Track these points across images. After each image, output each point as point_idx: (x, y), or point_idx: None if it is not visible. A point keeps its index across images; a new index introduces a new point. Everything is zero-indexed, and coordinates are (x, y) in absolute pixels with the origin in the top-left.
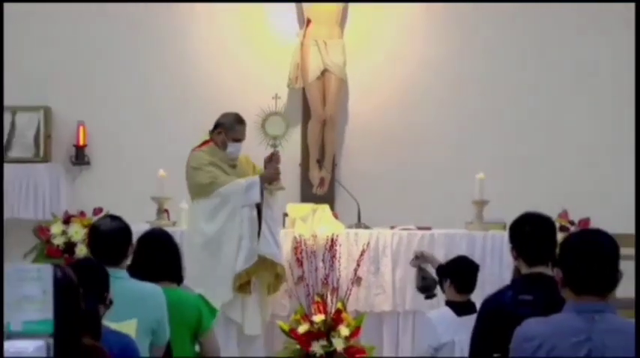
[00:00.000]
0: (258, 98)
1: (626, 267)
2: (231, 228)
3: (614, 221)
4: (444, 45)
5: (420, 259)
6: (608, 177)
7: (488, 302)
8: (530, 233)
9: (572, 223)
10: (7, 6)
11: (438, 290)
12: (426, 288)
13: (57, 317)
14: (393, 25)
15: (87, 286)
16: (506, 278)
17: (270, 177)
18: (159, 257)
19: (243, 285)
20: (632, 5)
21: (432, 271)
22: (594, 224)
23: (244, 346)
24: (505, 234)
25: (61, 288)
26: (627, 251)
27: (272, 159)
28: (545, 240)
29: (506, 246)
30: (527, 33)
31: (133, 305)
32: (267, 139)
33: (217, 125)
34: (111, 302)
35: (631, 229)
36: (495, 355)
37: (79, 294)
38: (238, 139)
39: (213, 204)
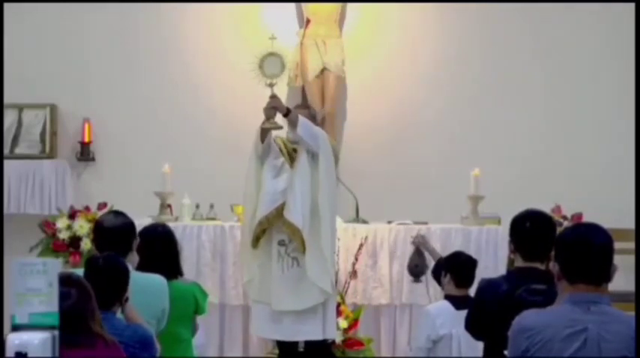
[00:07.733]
0: (256, 98)
1: (627, 261)
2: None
3: (612, 216)
4: (443, 44)
5: (420, 239)
6: (607, 173)
7: (485, 289)
8: (529, 230)
9: (565, 218)
10: (13, 5)
11: (429, 281)
12: (415, 272)
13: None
14: (392, 25)
15: (107, 283)
16: (501, 271)
17: (265, 114)
18: (158, 251)
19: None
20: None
21: (428, 259)
22: (593, 220)
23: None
24: (500, 229)
25: None
26: (628, 245)
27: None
28: (543, 238)
29: (501, 240)
30: (526, 33)
31: (139, 296)
32: (264, 79)
33: None
34: (126, 300)
35: (631, 224)
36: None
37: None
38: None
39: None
